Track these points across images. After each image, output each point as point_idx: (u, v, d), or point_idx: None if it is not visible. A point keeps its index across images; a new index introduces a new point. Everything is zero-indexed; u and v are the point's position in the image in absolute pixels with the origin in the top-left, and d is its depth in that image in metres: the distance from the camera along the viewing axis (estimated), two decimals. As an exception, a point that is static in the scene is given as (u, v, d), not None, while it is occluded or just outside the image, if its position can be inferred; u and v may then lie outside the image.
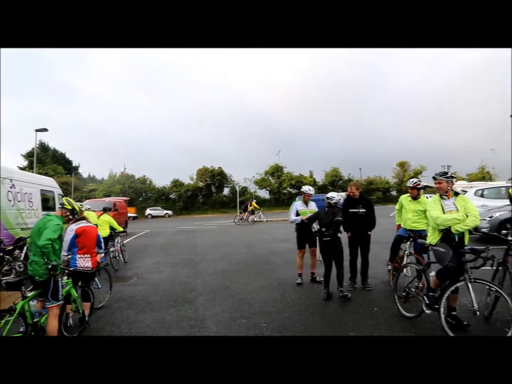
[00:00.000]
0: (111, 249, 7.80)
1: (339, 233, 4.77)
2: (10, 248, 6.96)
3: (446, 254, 3.33)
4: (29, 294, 3.37)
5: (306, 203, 5.71)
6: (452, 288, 3.27)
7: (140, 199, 41.18)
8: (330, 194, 5.11)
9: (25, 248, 7.19)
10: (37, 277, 3.34)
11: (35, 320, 3.36)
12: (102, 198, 27.61)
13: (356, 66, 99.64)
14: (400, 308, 3.97)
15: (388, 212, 20.22)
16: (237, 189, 33.75)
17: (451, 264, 3.25)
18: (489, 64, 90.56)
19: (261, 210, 22.92)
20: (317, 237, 5.12)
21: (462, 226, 3.33)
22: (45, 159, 42.17)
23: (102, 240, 4.66)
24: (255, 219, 21.08)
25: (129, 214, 23.06)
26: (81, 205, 9.81)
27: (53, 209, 9.17)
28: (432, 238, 3.59)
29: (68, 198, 4.05)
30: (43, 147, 43.85)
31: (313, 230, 4.95)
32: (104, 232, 7.41)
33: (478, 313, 3.13)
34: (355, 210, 5.18)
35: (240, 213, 22.44)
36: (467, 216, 3.34)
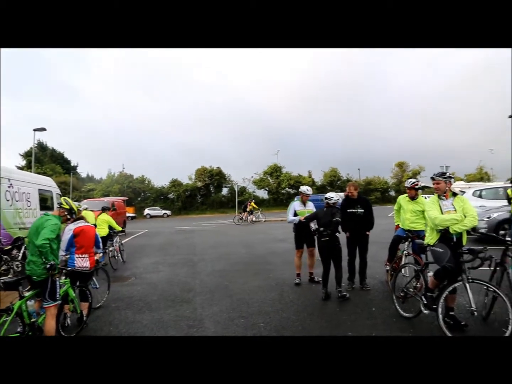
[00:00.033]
0: (110, 249, 7.80)
1: (337, 233, 4.78)
2: (8, 247, 6.92)
3: (444, 254, 3.34)
4: (27, 294, 3.35)
5: (304, 203, 5.71)
6: (450, 288, 3.28)
7: (139, 199, 41.12)
8: (328, 194, 5.11)
9: (23, 247, 7.15)
10: (35, 277, 3.33)
11: (32, 320, 3.35)
12: (100, 198, 27.60)
13: (356, 66, 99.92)
14: (398, 308, 3.98)
15: (387, 212, 20.29)
16: (236, 189, 33.72)
17: (449, 264, 3.25)
18: (489, 64, 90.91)
19: (259, 210, 22.96)
20: (315, 237, 5.13)
21: (460, 227, 3.33)
22: (44, 158, 42.10)
23: (100, 240, 4.65)
24: (254, 219, 21.11)
25: (127, 214, 23.05)
26: (79, 204, 9.77)
27: (51, 208, 9.13)
28: (430, 238, 3.60)
29: (66, 197, 4.04)
30: (41, 147, 43.76)
31: (312, 229, 4.95)
32: (103, 231, 7.41)
33: (476, 313, 3.15)
34: (353, 210, 5.19)
35: (240, 213, 22.43)
36: (465, 217, 3.35)
